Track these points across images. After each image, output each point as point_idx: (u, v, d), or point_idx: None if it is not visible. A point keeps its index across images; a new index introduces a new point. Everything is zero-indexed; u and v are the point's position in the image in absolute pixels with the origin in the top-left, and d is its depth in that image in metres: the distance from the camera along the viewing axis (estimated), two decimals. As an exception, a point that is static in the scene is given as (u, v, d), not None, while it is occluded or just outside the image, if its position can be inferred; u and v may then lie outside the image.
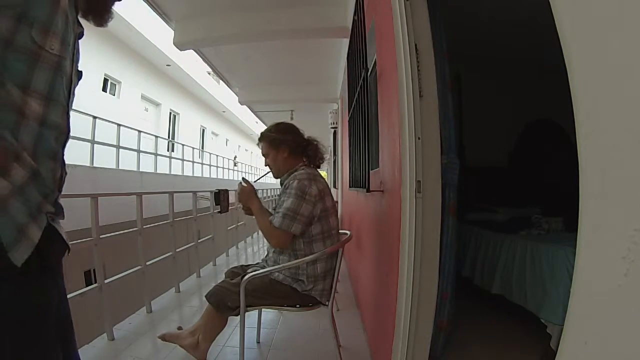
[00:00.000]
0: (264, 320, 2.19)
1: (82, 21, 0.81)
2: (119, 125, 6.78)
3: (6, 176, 0.61)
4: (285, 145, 1.65)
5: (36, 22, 0.63)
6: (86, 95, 7.63)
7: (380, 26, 1.68)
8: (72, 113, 0.80)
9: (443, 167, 1.33)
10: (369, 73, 1.95)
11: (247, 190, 1.66)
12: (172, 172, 8.94)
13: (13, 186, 0.61)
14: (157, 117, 11.24)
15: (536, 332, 1.73)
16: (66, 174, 0.76)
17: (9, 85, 0.61)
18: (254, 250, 5.43)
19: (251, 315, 1.89)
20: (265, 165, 1.73)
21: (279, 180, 1.72)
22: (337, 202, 5.21)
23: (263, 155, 1.72)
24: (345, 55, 3.40)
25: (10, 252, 0.59)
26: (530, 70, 3.41)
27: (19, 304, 0.63)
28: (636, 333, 0.31)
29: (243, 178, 1.74)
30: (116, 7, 0.87)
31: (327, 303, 1.59)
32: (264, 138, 1.70)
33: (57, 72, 0.68)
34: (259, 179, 2.04)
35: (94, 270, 3.11)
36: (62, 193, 0.75)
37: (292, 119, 7.36)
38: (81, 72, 0.79)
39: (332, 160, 7.32)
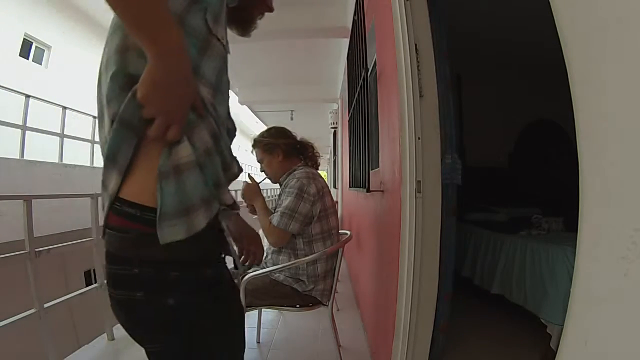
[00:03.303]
0: (264, 320, 2.19)
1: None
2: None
3: (191, 140, 0.54)
4: (278, 148, 1.66)
5: (210, 6, 0.57)
6: (86, 95, 7.63)
7: (380, 26, 1.68)
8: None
9: (448, 167, 1.33)
10: (369, 73, 1.95)
11: (252, 188, 1.66)
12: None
13: (196, 156, 0.54)
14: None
15: (536, 332, 1.73)
16: (241, 170, 0.68)
17: None
18: (254, 250, 5.42)
19: (251, 316, 1.89)
20: (261, 171, 1.73)
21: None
22: (337, 202, 5.21)
23: (258, 161, 1.72)
24: (345, 55, 3.40)
25: (159, 223, 0.51)
26: (531, 70, 3.40)
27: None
28: (636, 333, 0.31)
29: (248, 174, 1.73)
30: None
31: (327, 303, 1.59)
32: (257, 144, 1.70)
33: (223, 64, 0.63)
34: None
35: (94, 270, 3.11)
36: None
37: (292, 119, 7.36)
38: None
39: (332, 160, 7.31)
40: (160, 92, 0.50)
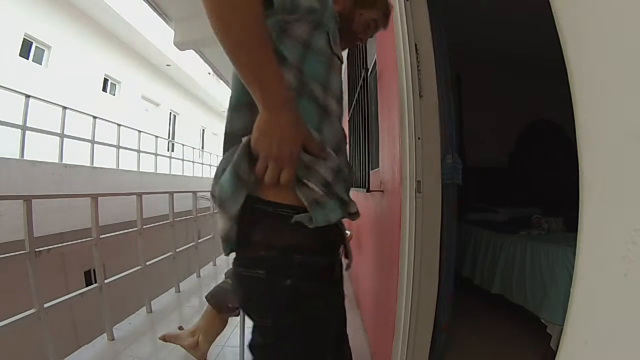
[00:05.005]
0: (264, 320, 2.19)
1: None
2: (119, 125, 6.79)
3: (319, 177, 0.60)
4: None
5: (330, 31, 0.66)
6: (86, 95, 7.63)
7: (380, 26, 1.68)
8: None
9: (448, 167, 1.33)
10: (369, 73, 1.95)
11: None
12: (172, 172, 8.94)
13: (325, 193, 0.61)
14: (157, 117, 11.24)
15: (536, 332, 1.73)
16: (353, 176, 0.78)
17: (313, 85, 0.62)
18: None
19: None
20: None
21: None
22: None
23: None
24: (345, 55, 3.39)
25: (314, 216, 0.59)
26: (531, 70, 3.40)
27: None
28: (636, 333, 0.31)
29: None
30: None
31: (327, 303, 1.59)
32: None
33: (341, 79, 0.71)
34: None
35: (94, 270, 3.11)
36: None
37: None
38: None
39: (332, 160, 7.27)
40: (267, 139, 0.55)
